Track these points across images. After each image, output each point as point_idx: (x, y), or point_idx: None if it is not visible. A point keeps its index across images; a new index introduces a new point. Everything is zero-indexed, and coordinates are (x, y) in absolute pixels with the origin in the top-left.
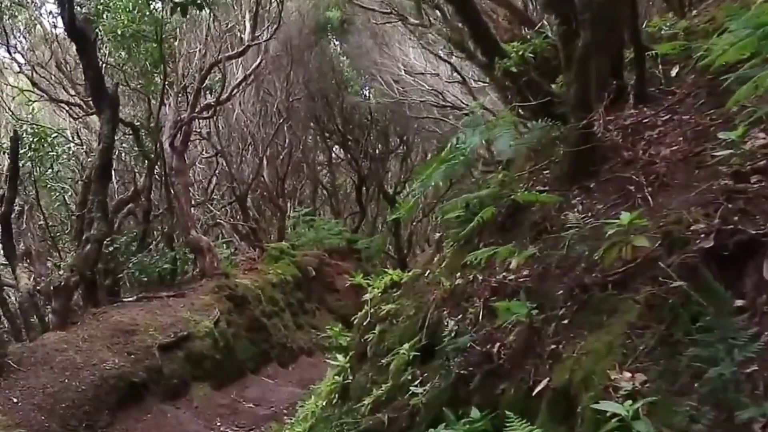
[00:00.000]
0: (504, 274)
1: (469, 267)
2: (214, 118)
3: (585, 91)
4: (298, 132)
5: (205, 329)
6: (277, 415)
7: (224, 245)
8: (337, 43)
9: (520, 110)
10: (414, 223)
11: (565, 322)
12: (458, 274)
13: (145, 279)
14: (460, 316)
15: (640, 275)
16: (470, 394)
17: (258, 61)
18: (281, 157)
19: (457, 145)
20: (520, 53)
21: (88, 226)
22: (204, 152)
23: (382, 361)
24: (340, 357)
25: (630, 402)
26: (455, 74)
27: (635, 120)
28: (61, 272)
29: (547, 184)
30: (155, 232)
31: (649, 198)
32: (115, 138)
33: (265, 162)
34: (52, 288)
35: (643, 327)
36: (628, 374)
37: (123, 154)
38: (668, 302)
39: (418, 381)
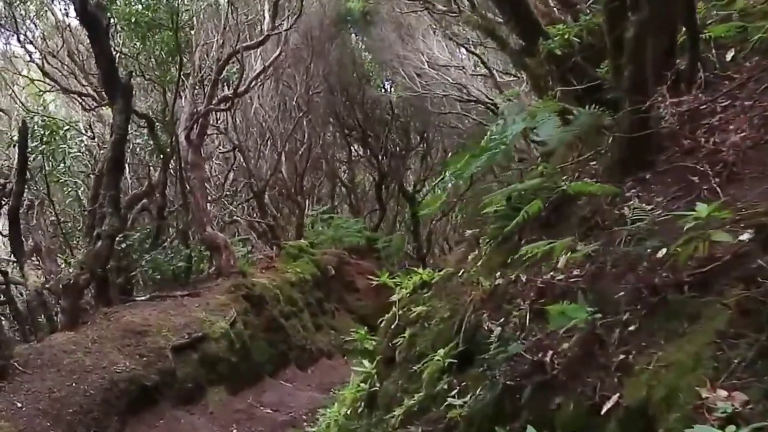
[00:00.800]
0: (551, 273)
1: (510, 266)
2: (232, 111)
3: (640, 73)
4: (318, 127)
5: (220, 330)
6: (296, 422)
7: (240, 243)
8: (358, 35)
9: (561, 96)
10: (433, 222)
11: (632, 328)
12: (498, 273)
13: (159, 277)
14: (502, 320)
15: (724, 275)
16: (519, 409)
17: (277, 52)
18: (300, 152)
19: (498, 133)
20: (565, 35)
21: (100, 221)
22: (220, 147)
23: (414, 367)
24: (365, 362)
25: (733, 428)
26: (480, 67)
27: (691, 106)
28: (71, 270)
29: (594, 176)
30: (170, 229)
31: (718, 189)
32: (129, 130)
33: (283, 158)
34: (61, 286)
35: (737, 336)
36: (723, 392)
37: (137, 149)
38: (767, 307)
39: (455, 391)
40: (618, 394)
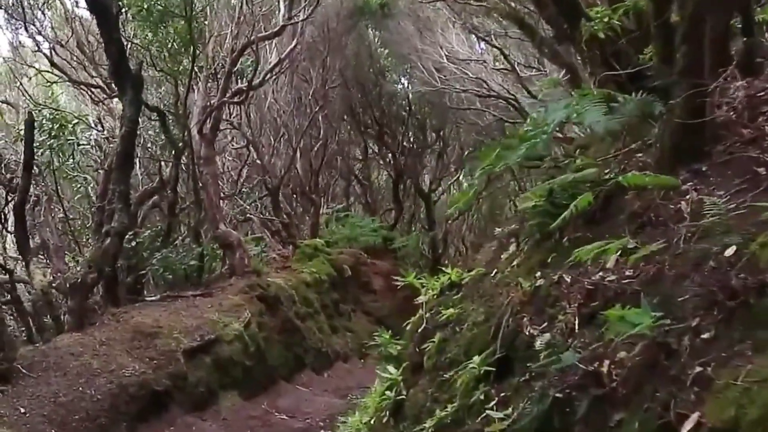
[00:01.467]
0: (599, 274)
1: (551, 266)
2: (246, 105)
3: (696, 56)
4: (334, 123)
5: (234, 332)
6: (312, 429)
7: (253, 242)
8: (375, 28)
9: (602, 83)
10: (449, 222)
11: (706, 336)
12: (538, 274)
13: (170, 277)
14: (545, 325)
15: None
16: (571, 425)
17: (293, 44)
18: (315, 149)
19: (538, 122)
20: (606, 18)
21: (109, 218)
22: (233, 143)
23: (445, 375)
24: (391, 368)
25: None
26: (501, 61)
27: (748, 93)
28: (78, 268)
29: (643, 168)
30: (181, 227)
31: None
32: (140, 124)
33: (298, 154)
34: (68, 285)
35: None
36: None
37: (148, 143)
38: None
39: (494, 402)
40: (697, 414)
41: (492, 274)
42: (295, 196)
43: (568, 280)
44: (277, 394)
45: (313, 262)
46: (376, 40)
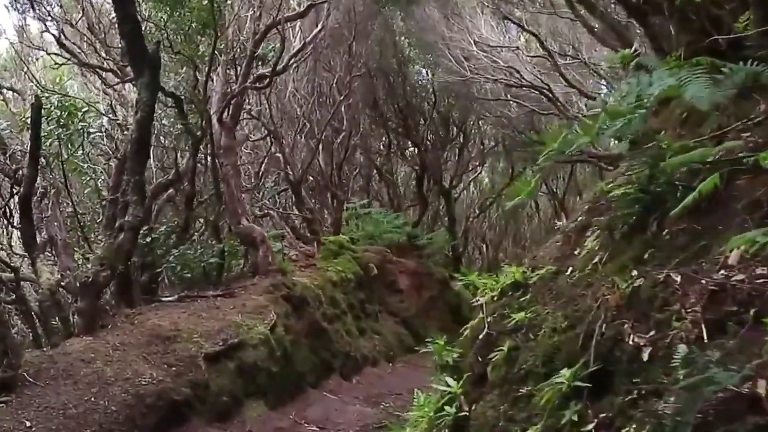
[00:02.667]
0: (722, 273)
1: (648, 262)
2: (268, 92)
3: None
4: (357, 114)
5: (259, 336)
6: None
7: (272, 238)
8: (400, 13)
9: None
10: (470, 220)
11: None
12: (634, 272)
13: (188, 275)
14: (653, 333)
15: None
16: None
17: (319, 27)
18: (338, 140)
19: (633, 93)
20: None
21: (122, 211)
22: (252, 135)
23: (521, 390)
24: (449, 380)
25: None
26: (535, 49)
27: None
28: (89, 265)
29: (756, 149)
30: (199, 222)
31: None
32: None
33: (321, 146)
34: (77, 284)
35: None
36: None
37: (162, 133)
38: None
39: (592, 425)
40: None
41: (567, 273)
42: (315, 189)
43: (678, 279)
44: (305, 402)
45: (339, 260)
46: (401, 26)
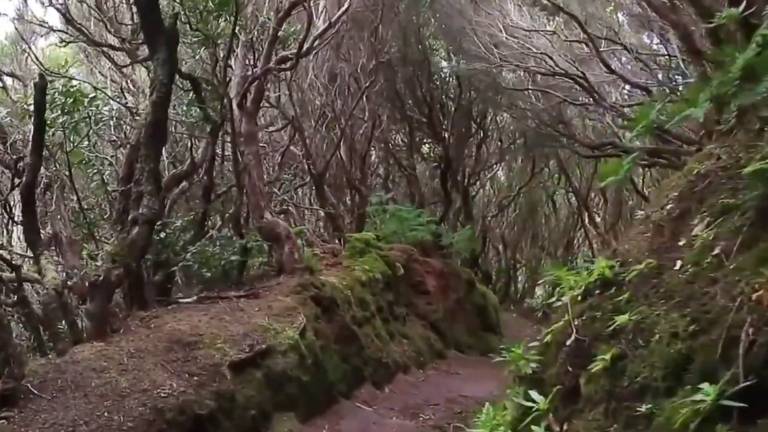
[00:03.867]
0: None
1: None
2: (287, 80)
3: None
4: (380, 104)
5: (288, 341)
6: None
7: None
8: None
9: None
10: (488, 219)
11: None
12: None
13: (207, 274)
14: None
15: None
16: None
17: (345, 5)
18: (360, 131)
19: None
20: None
21: (135, 203)
22: (272, 125)
23: (640, 408)
24: (534, 395)
25: None
26: (570, 32)
27: None
28: (98, 263)
29: None
30: (217, 216)
31: None
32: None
33: (343, 137)
34: (87, 284)
35: None
36: None
37: (176, 121)
38: None
39: None
40: None
41: (677, 268)
42: (336, 183)
43: None
44: (338, 415)
45: (365, 259)
46: (426, 11)
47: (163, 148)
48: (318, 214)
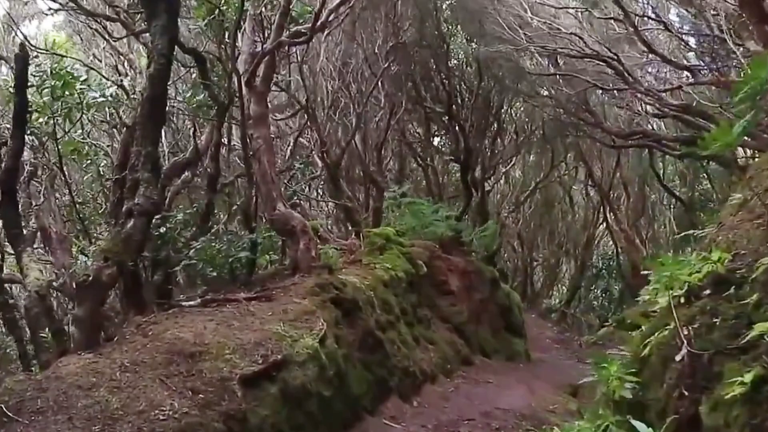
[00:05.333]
0: None
1: None
2: (299, 62)
3: None
4: (397, 89)
5: (307, 351)
6: None
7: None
8: None
9: None
10: (505, 215)
11: None
12: None
13: (212, 273)
14: None
15: None
16: None
17: None
18: (376, 118)
19: None
20: None
21: (131, 192)
22: (278, 111)
23: None
24: (640, 425)
25: None
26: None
27: None
28: (89, 261)
29: None
30: (223, 208)
31: None
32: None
33: (361, 123)
34: (74, 285)
35: None
36: None
37: (178, 107)
38: None
39: None
40: None
41: None
42: (350, 175)
43: None
44: None
45: (386, 256)
46: None
47: (165, 135)
48: (328, 208)
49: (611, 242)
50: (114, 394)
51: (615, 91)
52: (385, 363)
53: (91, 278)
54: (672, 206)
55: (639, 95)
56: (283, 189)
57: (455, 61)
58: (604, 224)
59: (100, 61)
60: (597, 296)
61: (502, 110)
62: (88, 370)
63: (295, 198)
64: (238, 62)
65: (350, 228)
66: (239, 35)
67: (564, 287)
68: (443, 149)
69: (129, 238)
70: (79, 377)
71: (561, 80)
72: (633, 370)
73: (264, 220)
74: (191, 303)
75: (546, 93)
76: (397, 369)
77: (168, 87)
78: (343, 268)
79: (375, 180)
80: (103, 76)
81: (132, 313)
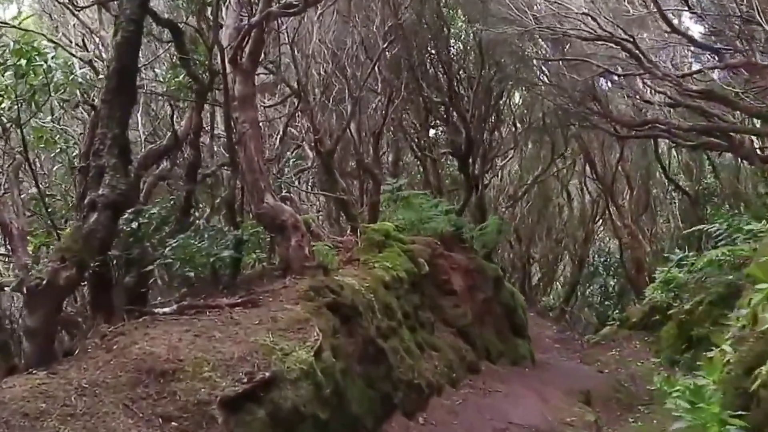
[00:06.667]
0: None
1: None
2: (289, 40)
3: None
4: (395, 75)
5: (299, 366)
6: None
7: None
8: None
9: None
10: (503, 211)
11: None
12: None
13: (191, 275)
14: None
15: None
16: None
17: None
18: (374, 106)
19: None
20: None
21: (95, 181)
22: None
23: None
24: None
25: None
26: None
27: None
28: (46, 261)
29: None
30: (205, 201)
31: None
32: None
33: (357, 109)
34: (25, 290)
35: None
36: None
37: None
38: None
39: None
40: None
41: None
42: (344, 165)
43: None
44: None
45: (386, 254)
46: None
47: (141, 121)
48: (319, 202)
49: (610, 238)
50: (67, 423)
51: (623, 80)
52: (388, 376)
53: (44, 282)
54: (677, 200)
55: (650, 82)
56: (271, 180)
57: (458, 45)
58: (605, 219)
59: (71, 42)
60: (595, 293)
61: (501, 101)
62: (38, 393)
63: (285, 191)
64: (222, 37)
65: (344, 223)
66: (222, 6)
67: (558, 284)
68: (442, 140)
69: (91, 234)
70: (26, 402)
71: (567, 66)
72: (733, 403)
73: (251, 214)
74: (165, 310)
75: (548, 81)
76: (402, 382)
77: (144, 66)
78: (339, 268)
79: (372, 171)
80: (72, 54)
81: (96, 324)
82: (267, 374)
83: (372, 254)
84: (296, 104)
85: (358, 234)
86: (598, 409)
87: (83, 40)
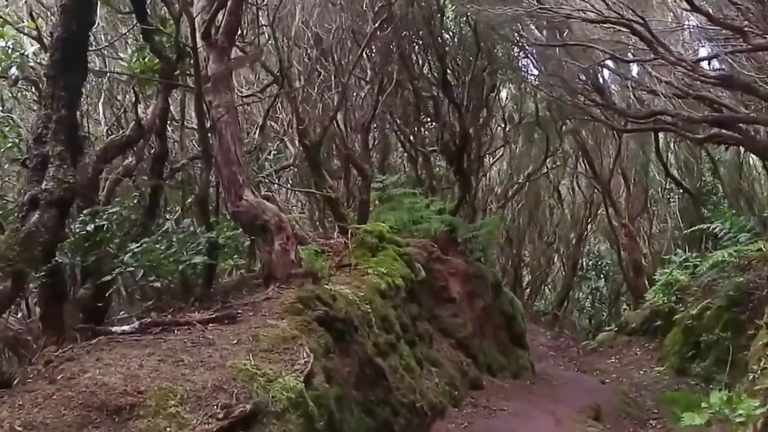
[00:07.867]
0: None
1: None
2: (270, 21)
3: None
4: (385, 62)
5: (286, 395)
6: None
7: None
8: None
9: None
10: (494, 211)
11: None
12: None
13: (158, 285)
14: None
15: None
16: None
17: None
18: (362, 94)
19: None
20: None
21: (37, 172)
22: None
23: None
24: None
25: None
26: None
27: None
28: None
29: None
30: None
31: None
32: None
33: (345, 99)
34: None
35: None
36: None
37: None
38: None
39: None
40: None
41: None
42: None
43: None
44: None
45: (380, 258)
46: None
47: (103, 111)
48: (302, 201)
49: (601, 239)
50: None
51: (624, 69)
52: (387, 399)
53: None
54: (675, 199)
55: (654, 72)
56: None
57: (453, 29)
58: (601, 219)
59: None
60: (586, 296)
61: (492, 94)
62: None
63: (265, 189)
64: (195, 6)
65: (330, 224)
66: None
67: (548, 288)
68: (434, 135)
69: (31, 237)
70: None
71: (566, 54)
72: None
73: (227, 214)
74: (125, 328)
75: (545, 70)
76: (403, 406)
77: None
78: (330, 275)
79: (361, 167)
80: (20, 31)
81: (42, 346)
82: (248, 407)
83: (365, 258)
84: (277, 92)
85: (349, 236)
86: (609, 425)
87: (31, 13)
